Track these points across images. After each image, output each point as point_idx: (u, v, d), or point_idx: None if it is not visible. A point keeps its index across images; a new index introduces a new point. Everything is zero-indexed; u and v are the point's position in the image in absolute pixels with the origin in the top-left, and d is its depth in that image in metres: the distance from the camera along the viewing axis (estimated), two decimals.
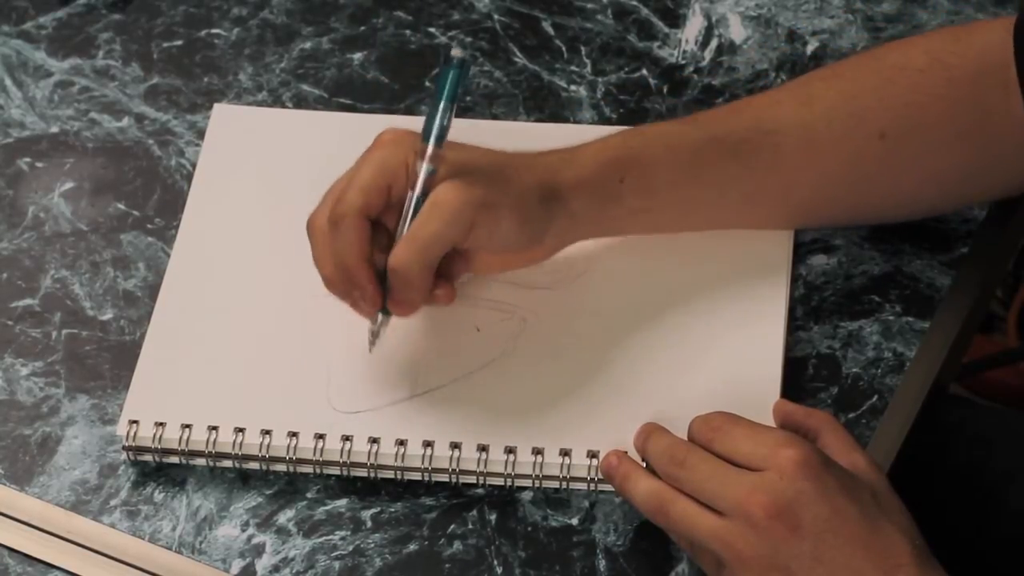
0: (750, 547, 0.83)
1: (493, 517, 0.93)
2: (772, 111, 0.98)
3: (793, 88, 1.00)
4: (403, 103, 1.11)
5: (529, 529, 0.93)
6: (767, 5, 1.15)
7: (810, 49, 1.13)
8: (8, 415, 0.98)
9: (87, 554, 0.93)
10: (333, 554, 0.92)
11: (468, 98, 1.11)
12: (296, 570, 0.91)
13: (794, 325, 0.99)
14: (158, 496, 0.95)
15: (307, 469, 0.95)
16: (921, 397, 0.97)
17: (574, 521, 0.93)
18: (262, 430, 0.95)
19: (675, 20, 1.15)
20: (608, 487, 0.92)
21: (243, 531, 0.93)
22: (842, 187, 0.98)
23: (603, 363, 0.97)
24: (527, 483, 0.94)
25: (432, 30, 1.15)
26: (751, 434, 0.87)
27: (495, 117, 1.10)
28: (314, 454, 0.94)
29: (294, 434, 0.94)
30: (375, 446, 0.94)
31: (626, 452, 0.92)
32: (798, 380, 0.97)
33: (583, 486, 0.93)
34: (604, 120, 1.09)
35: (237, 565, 0.92)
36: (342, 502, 0.94)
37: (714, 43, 1.13)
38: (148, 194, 1.07)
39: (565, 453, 0.93)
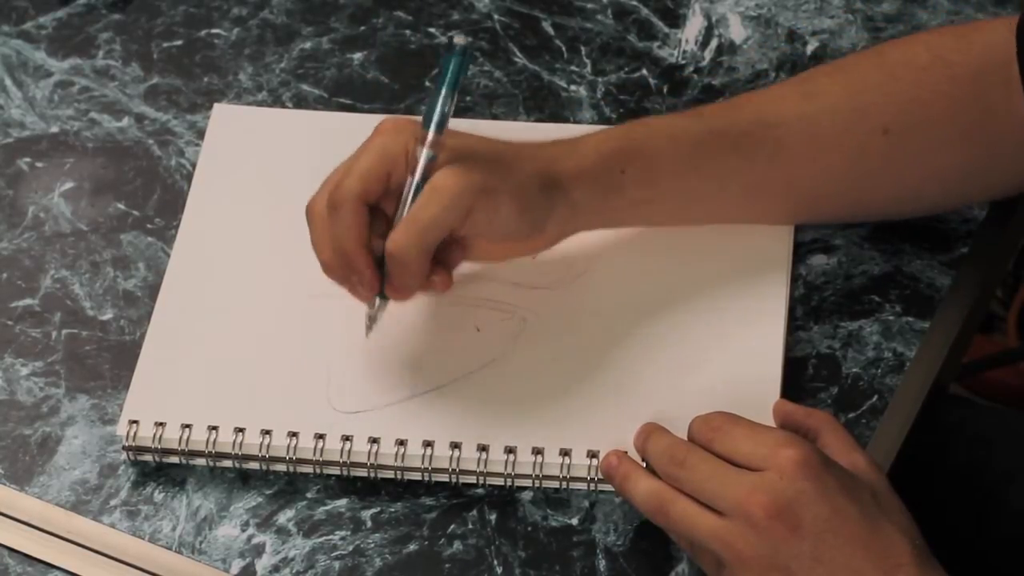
0: (750, 547, 0.83)
1: (493, 517, 0.93)
2: (775, 105, 0.98)
3: (796, 83, 1.00)
4: (403, 103, 1.11)
5: (529, 529, 0.93)
6: (767, 5, 1.15)
7: (810, 49, 1.13)
8: (8, 415, 0.98)
9: (87, 554, 0.93)
10: (333, 554, 0.92)
11: (468, 98, 1.11)
12: (296, 570, 0.91)
13: (794, 325, 0.99)
14: (158, 496, 0.95)
15: (307, 469, 0.95)
16: (921, 397, 0.97)
17: (574, 521, 0.93)
18: (262, 430, 0.95)
19: (675, 20, 1.15)
20: (608, 487, 0.92)
21: (243, 531, 0.93)
22: (844, 182, 0.98)
23: (603, 363, 0.97)
24: (527, 483, 0.94)
25: (432, 30, 1.15)
26: (751, 434, 0.87)
27: (495, 117, 1.10)
28: (314, 454, 0.94)
29: (294, 434, 0.94)
30: (375, 446, 0.94)
31: (626, 452, 0.92)
32: (798, 380, 0.97)
33: (583, 486, 0.93)
34: (604, 120, 1.09)
35: (237, 565, 0.92)
36: (342, 502, 0.94)
37: (714, 43, 1.14)
38: (148, 194, 1.07)
39: (565, 453, 0.93)
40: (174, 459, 0.95)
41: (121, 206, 1.07)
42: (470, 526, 0.93)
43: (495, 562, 0.91)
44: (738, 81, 1.11)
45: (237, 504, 0.94)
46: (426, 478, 0.94)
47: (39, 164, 1.09)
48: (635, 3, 1.16)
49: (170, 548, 0.93)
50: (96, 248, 1.05)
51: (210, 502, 0.94)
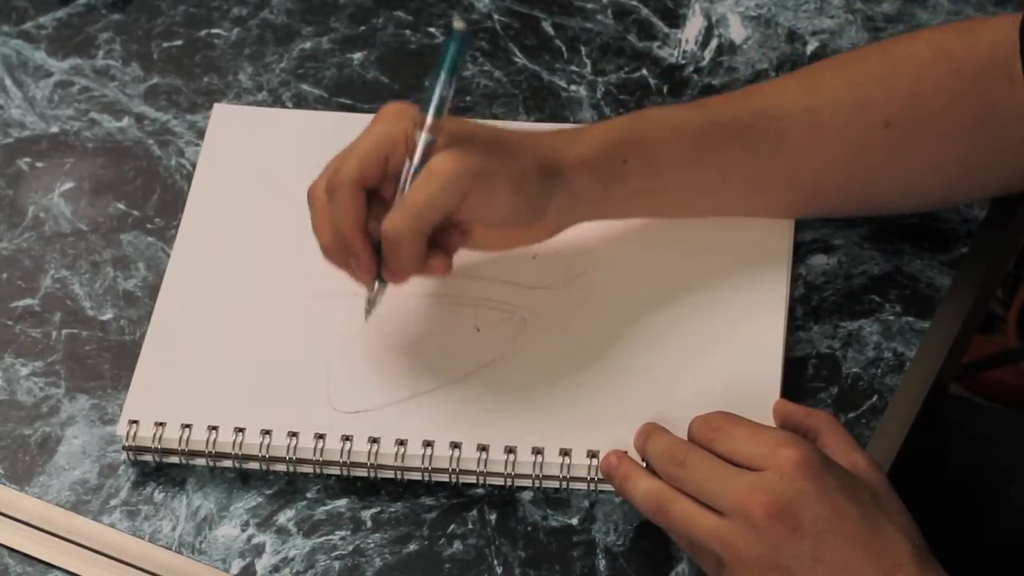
0: (750, 547, 0.83)
1: (493, 517, 0.93)
2: (778, 97, 0.98)
3: (800, 76, 1.00)
4: None
5: (529, 529, 0.93)
6: (767, 5, 1.15)
7: (810, 49, 1.13)
8: (8, 415, 0.98)
9: (87, 554, 0.93)
10: (333, 554, 0.92)
11: (468, 98, 1.11)
12: (296, 570, 0.91)
13: (794, 325, 0.99)
14: (158, 496, 0.95)
15: (307, 469, 0.95)
16: (921, 397, 0.97)
17: (574, 521, 0.93)
18: (262, 430, 0.95)
19: (675, 20, 1.15)
20: (608, 487, 0.92)
21: (243, 531, 0.93)
22: (846, 176, 0.98)
23: (603, 363, 0.97)
24: (527, 483, 0.94)
25: (432, 30, 1.15)
26: (751, 434, 0.87)
27: (495, 117, 1.10)
28: (314, 454, 0.94)
29: (294, 434, 0.94)
30: (375, 446, 0.94)
31: (626, 452, 0.92)
32: (798, 380, 0.97)
33: (583, 486, 0.93)
34: (604, 120, 1.09)
35: (237, 565, 0.92)
36: (342, 502, 0.94)
37: (714, 43, 1.14)
38: (148, 194, 1.07)
39: (565, 453, 0.93)
40: (174, 459, 0.95)
41: (121, 206, 1.07)
42: (470, 526, 0.93)
43: (495, 562, 0.91)
44: (738, 81, 1.11)
45: (237, 504, 0.94)
46: (426, 478, 0.94)
47: (39, 164, 1.09)
48: (635, 3, 1.16)
49: (170, 548, 0.93)
50: (96, 248, 1.05)
51: (210, 502, 0.94)
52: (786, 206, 1.01)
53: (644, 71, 1.12)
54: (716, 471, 0.86)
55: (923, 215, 1.04)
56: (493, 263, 1.00)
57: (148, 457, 0.95)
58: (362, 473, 0.94)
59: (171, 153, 1.09)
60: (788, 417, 0.92)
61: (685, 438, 0.90)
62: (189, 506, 0.94)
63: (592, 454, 0.93)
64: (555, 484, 0.94)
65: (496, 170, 0.91)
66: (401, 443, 0.94)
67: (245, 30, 1.15)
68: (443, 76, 0.91)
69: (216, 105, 1.11)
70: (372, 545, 0.92)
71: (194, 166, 1.07)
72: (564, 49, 1.13)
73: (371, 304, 0.95)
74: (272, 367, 0.97)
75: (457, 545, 0.92)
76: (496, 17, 1.15)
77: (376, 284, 0.93)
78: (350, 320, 0.98)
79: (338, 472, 0.94)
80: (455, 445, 0.94)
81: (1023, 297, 1.80)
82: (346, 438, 0.94)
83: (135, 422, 0.95)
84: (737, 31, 1.14)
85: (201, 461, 0.95)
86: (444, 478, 0.94)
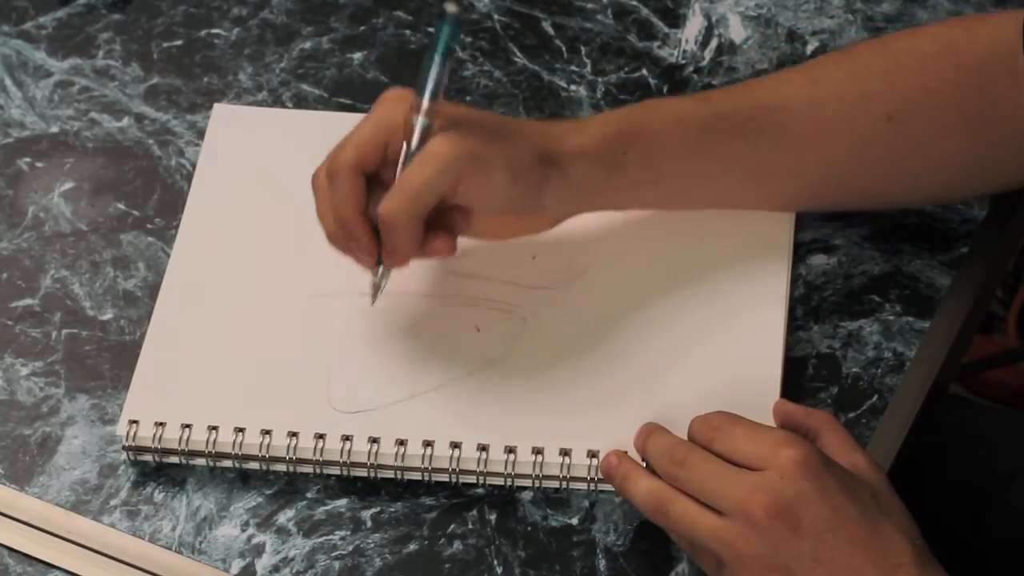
0: (750, 547, 0.83)
1: (493, 517, 0.93)
2: (780, 90, 0.98)
3: (803, 69, 1.01)
4: None
5: (529, 529, 0.93)
6: (767, 5, 1.15)
7: (810, 49, 1.13)
8: (8, 415, 0.98)
9: (87, 554, 0.93)
10: (333, 554, 0.92)
11: (468, 98, 1.11)
12: (296, 570, 0.91)
13: (794, 325, 0.99)
14: (158, 496, 0.95)
15: (307, 469, 0.95)
16: (921, 397, 0.97)
17: (574, 521, 0.93)
18: (262, 430, 0.95)
19: (675, 20, 1.15)
20: (608, 487, 0.92)
21: (243, 531, 0.93)
22: (848, 169, 0.98)
23: (603, 363, 0.97)
24: (527, 483, 0.94)
25: (432, 30, 1.15)
26: (751, 434, 0.87)
27: None
28: (314, 454, 0.94)
29: (294, 434, 0.94)
30: (375, 446, 0.94)
31: (626, 452, 0.92)
32: (798, 380, 0.97)
33: (583, 486, 0.93)
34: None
35: (237, 565, 0.92)
36: (342, 502, 0.94)
37: (714, 43, 1.14)
38: (148, 194, 1.07)
39: (565, 453, 0.93)
40: (174, 459, 0.95)
41: (121, 206, 1.07)
42: (470, 526, 0.93)
43: (495, 562, 0.91)
44: (738, 81, 1.11)
45: (237, 504, 0.94)
46: (426, 478, 0.94)
47: (39, 164, 1.09)
48: (635, 3, 1.16)
49: (170, 548, 0.93)
50: (96, 248, 1.05)
51: (210, 502, 0.94)
52: (787, 199, 1.01)
53: (644, 71, 1.12)
54: (716, 471, 0.86)
55: (923, 215, 1.04)
56: (493, 263, 1.00)
57: (148, 457, 0.95)
58: (362, 473, 0.94)
59: (171, 153, 1.09)
60: (788, 417, 0.92)
61: (685, 438, 0.90)
62: (189, 506, 0.94)
63: (592, 454, 0.93)
64: (555, 484, 0.94)
65: (492, 155, 0.91)
66: (401, 443, 0.94)
67: (245, 30, 1.15)
68: (437, 59, 0.91)
69: (216, 105, 1.11)
70: (372, 545, 0.92)
71: (194, 166, 1.07)
72: (564, 49, 1.13)
73: (376, 289, 0.95)
74: (272, 367, 0.97)
75: (457, 545, 0.92)
76: (496, 17, 1.15)
77: (380, 268, 0.94)
78: (350, 320, 0.98)
79: (338, 472, 0.94)
80: (455, 445, 0.94)
81: (1023, 297, 1.80)
82: (346, 438, 0.94)
83: (135, 422, 0.95)
84: (737, 31, 1.14)
85: (201, 461, 0.95)
86: (444, 478, 0.94)
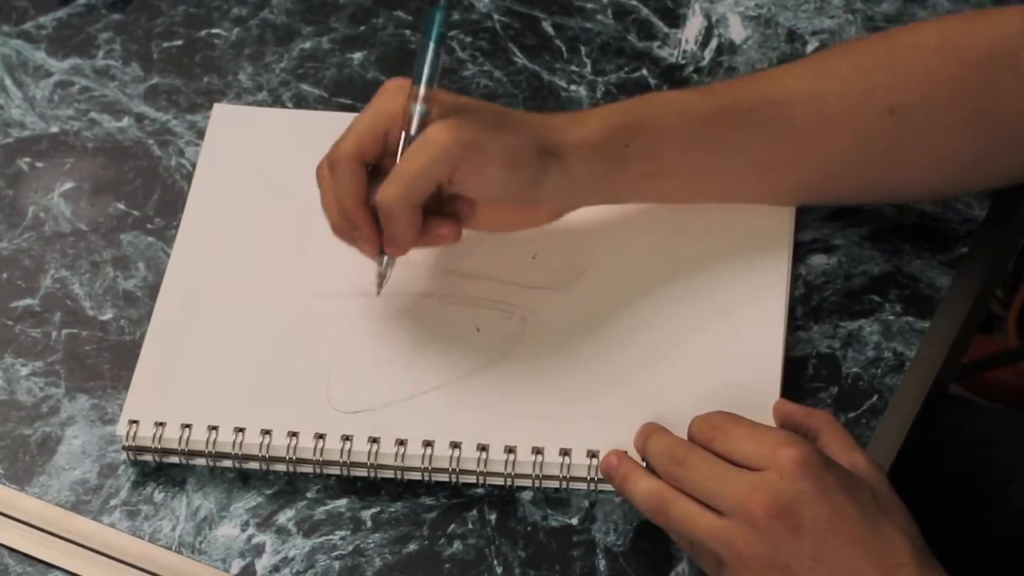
0: (750, 547, 0.83)
1: (493, 517, 0.93)
2: (783, 83, 0.98)
3: (806, 62, 1.01)
4: None
5: (529, 529, 0.93)
6: (767, 5, 1.15)
7: (810, 49, 1.13)
8: (8, 415, 0.98)
9: (87, 554, 0.93)
10: (333, 554, 0.92)
11: None
12: (296, 570, 0.91)
13: (794, 325, 0.99)
14: (158, 496, 0.95)
15: (307, 469, 0.95)
16: (921, 397, 0.97)
17: (574, 521, 0.93)
18: (262, 430, 0.95)
19: (675, 20, 1.15)
20: (608, 487, 0.92)
21: (243, 531, 0.93)
22: (850, 162, 0.98)
23: (603, 363, 0.97)
24: (527, 483, 0.94)
25: None
26: (751, 434, 0.87)
27: None
28: (314, 454, 0.94)
29: (294, 434, 0.94)
30: (375, 446, 0.94)
31: (626, 452, 0.92)
32: (798, 380, 0.97)
33: (583, 486, 0.93)
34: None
35: (237, 565, 0.92)
36: (342, 502, 0.94)
37: (714, 43, 1.14)
38: (148, 194, 1.07)
39: (565, 453, 0.93)
40: (174, 459, 0.95)
41: (121, 206, 1.07)
42: (470, 526, 0.93)
43: (495, 562, 0.91)
44: None
45: (237, 504, 0.94)
46: (426, 478, 0.94)
47: (39, 164, 1.09)
48: (635, 3, 1.16)
49: (170, 548, 0.93)
50: (96, 248, 1.05)
51: (210, 502, 0.94)
52: (789, 192, 1.01)
53: (644, 71, 1.12)
54: (716, 471, 0.86)
55: (923, 215, 1.04)
56: (493, 263, 1.00)
57: (148, 457, 0.95)
58: (362, 473, 0.94)
59: (171, 153, 1.09)
60: (788, 417, 0.92)
61: (685, 438, 0.90)
62: (189, 506, 0.94)
63: (592, 454, 0.93)
64: (555, 484, 0.94)
65: (490, 143, 0.91)
66: (401, 443, 0.94)
67: (245, 30, 1.15)
68: (431, 46, 0.91)
69: (216, 105, 1.11)
70: (372, 545, 0.92)
71: (194, 166, 1.07)
72: (564, 49, 1.13)
73: (382, 278, 0.95)
74: (272, 367, 0.97)
75: (457, 545, 0.92)
76: (496, 17, 1.15)
77: (384, 258, 0.94)
78: (350, 320, 0.98)
79: (338, 472, 0.94)
80: (455, 445, 0.94)
81: (1023, 297, 1.80)
82: (346, 438, 0.94)
83: (135, 422, 0.95)
84: (737, 31, 1.14)
85: (201, 461, 0.95)
86: (444, 478, 0.94)
